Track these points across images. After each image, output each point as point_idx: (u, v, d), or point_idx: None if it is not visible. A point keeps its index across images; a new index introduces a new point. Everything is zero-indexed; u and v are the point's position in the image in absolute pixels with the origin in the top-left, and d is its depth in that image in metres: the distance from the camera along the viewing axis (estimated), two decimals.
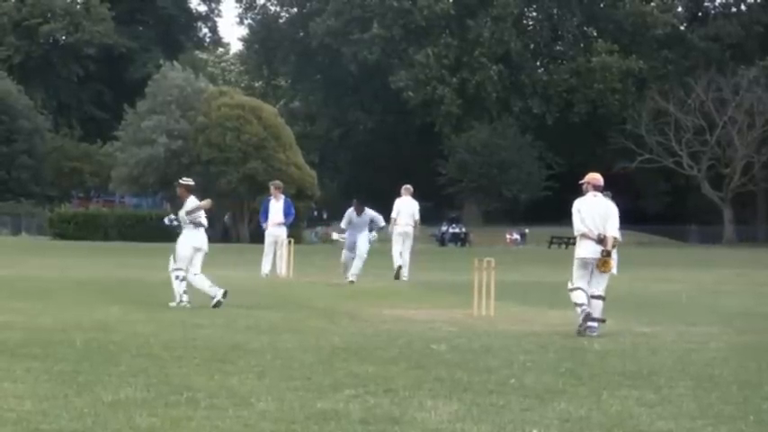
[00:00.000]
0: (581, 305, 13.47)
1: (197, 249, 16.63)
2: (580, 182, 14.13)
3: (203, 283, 16.54)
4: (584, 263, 13.66)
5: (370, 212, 23.69)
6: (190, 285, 16.48)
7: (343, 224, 24.03)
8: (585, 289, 13.59)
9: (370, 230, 23.62)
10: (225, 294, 16.25)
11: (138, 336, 12.22)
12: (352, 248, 23.26)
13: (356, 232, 23.38)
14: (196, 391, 8.44)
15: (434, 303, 18.07)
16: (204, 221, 16.84)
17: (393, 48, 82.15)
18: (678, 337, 13.14)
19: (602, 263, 13.54)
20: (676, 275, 28.95)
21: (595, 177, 13.86)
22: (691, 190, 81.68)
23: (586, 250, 13.61)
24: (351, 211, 23.63)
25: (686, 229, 79.32)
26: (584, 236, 13.61)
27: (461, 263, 20.92)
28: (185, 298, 16.38)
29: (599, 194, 13.85)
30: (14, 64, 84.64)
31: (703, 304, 18.79)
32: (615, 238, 13.61)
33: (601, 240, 13.49)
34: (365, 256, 23.26)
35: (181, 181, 17.38)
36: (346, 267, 23.41)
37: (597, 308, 13.50)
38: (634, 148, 75.57)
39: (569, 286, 13.79)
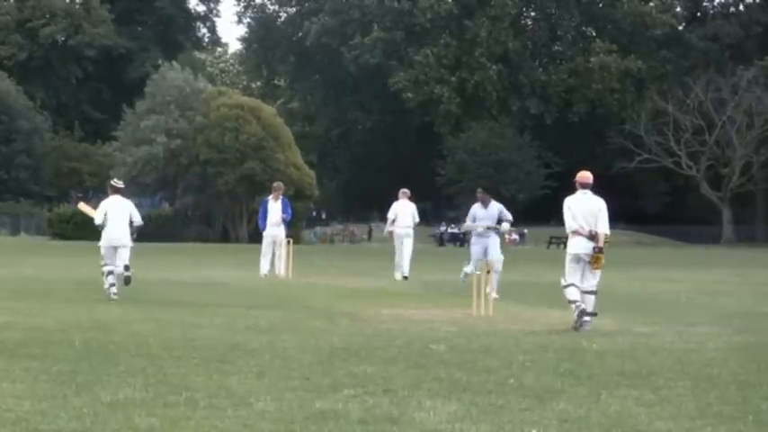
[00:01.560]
0: (575, 302, 13.91)
1: (115, 246, 18.02)
2: (574, 180, 14.50)
3: (115, 282, 17.57)
4: (577, 258, 14.06)
5: (498, 204, 19.69)
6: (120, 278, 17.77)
7: (468, 222, 19.90)
8: (578, 285, 13.99)
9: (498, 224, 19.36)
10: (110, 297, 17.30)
11: (136, 335, 12.22)
12: (482, 254, 19.19)
13: (484, 234, 19.38)
14: (195, 391, 8.44)
15: (434, 303, 18.06)
16: (114, 220, 18.10)
17: (393, 48, 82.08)
18: (677, 337, 13.14)
19: (595, 260, 13.93)
20: (675, 275, 28.97)
21: (583, 175, 14.26)
22: (690, 190, 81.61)
23: (578, 246, 14.03)
24: (477, 206, 19.61)
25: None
26: (575, 232, 14.01)
27: (460, 263, 20.88)
28: (113, 290, 17.55)
29: (588, 192, 14.21)
30: (15, 64, 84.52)
31: (702, 304, 18.79)
32: (606, 235, 13.99)
33: (592, 237, 13.87)
34: (500, 267, 19.10)
35: (111, 182, 19.09)
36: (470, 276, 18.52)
37: (590, 302, 13.96)
38: (633, 148, 75.53)
39: (562, 283, 14.19)
